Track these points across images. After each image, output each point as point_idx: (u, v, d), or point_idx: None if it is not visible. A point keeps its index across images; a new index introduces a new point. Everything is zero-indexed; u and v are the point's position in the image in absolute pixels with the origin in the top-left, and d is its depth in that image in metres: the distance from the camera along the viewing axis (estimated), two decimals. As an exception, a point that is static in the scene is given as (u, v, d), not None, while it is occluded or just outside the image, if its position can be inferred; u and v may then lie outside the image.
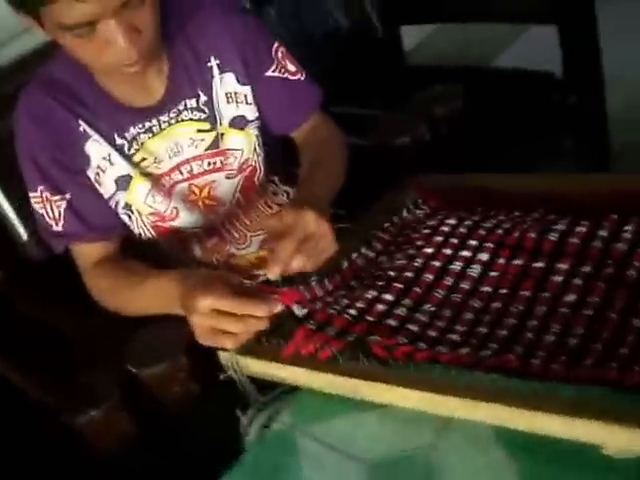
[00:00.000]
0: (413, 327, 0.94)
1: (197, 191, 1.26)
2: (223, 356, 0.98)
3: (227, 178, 1.28)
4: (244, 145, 1.27)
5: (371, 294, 1.01)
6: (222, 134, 1.25)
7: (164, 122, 1.20)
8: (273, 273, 0.96)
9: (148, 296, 1.11)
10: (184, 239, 1.30)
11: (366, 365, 0.89)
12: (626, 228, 1.00)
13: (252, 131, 1.27)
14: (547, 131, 1.89)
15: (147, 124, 1.19)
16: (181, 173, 1.24)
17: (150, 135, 1.20)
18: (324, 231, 0.99)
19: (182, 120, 1.21)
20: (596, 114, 1.94)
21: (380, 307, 0.99)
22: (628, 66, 2.21)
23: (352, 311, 0.99)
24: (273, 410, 0.99)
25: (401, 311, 0.97)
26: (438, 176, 1.29)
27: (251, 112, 1.26)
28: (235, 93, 1.23)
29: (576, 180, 1.16)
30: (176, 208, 1.25)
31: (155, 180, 1.23)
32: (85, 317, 1.29)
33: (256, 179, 1.33)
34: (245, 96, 1.24)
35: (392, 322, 0.95)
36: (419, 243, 1.10)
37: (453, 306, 0.96)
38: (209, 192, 1.27)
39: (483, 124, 1.75)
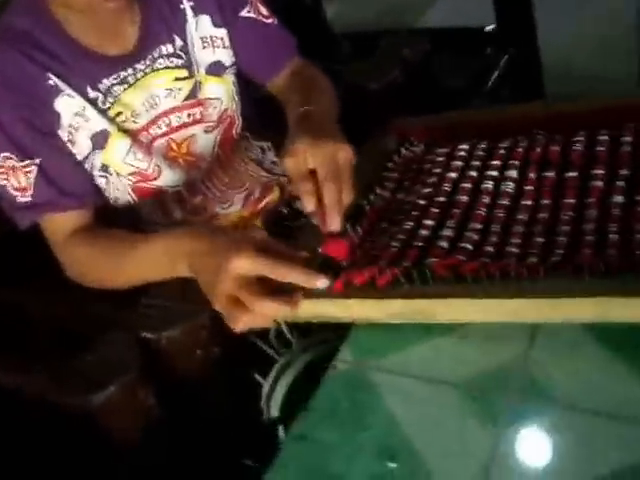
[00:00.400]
0: (467, 245, 0.88)
1: (175, 147, 1.17)
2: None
3: (205, 132, 1.19)
4: (222, 93, 1.19)
5: (409, 224, 0.95)
6: (200, 82, 1.16)
7: (139, 71, 1.10)
8: (309, 204, 0.89)
9: (143, 260, 0.99)
10: (165, 201, 1.19)
11: (435, 285, 0.83)
12: None
13: (229, 77, 1.19)
14: (484, 82, 1.89)
15: (122, 74, 1.08)
16: (159, 127, 1.14)
17: (125, 86, 1.09)
18: (344, 150, 0.93)
19: (157, 69, 1.11)
20: (530, 66, 1.95)
21: (424, 232, 0.92)
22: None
23: (396, 243, 0.92)
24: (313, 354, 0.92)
25: (449, 232, 0.91)
26: (414, 119, 1.25)
27: (228, 57, 1.18)
28: (211, 37, 1.15)
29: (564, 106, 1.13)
30: (158, 166, 1.15)
31: (133, 136, 1.12)
32: (53, 294, 1.16)
33: (234, 132, 1.25)
34: (222, 39, 1.16)
35: (443, 244, 0.89)
36: (437, 171, 1.05)
37: (500, 221, 0.92)
38: (188, 147, 1.18)
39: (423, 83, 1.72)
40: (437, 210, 0.96)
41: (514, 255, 0.85)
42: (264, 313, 0.80)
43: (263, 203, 1.29)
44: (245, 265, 0.80)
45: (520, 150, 1.04)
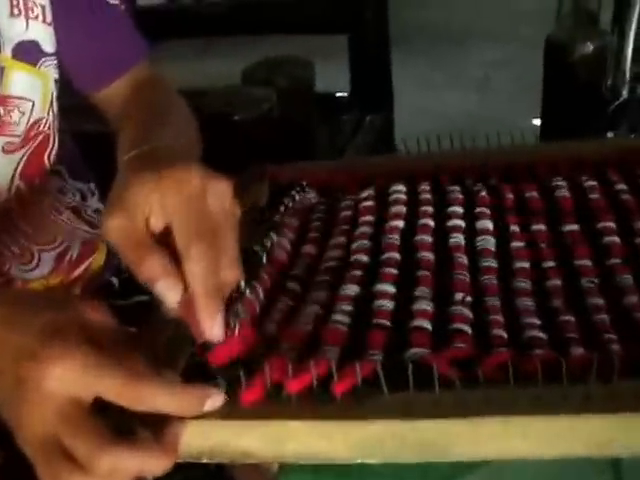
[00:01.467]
0: (462, 326, 0.54)
1: None
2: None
3: (5, 151, 0.78)
4: (35, 94, 0.78)
5: (351, 290, 0.60)
6: (2, 69, 0.75)
7: None
8: (172, 296, 0.52)
9: None
10: None
11: (447, 392, 0.48)
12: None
13: (49, 72, 0.79)
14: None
15: None
16: None
17: None
18: (219, 189, 0.56)
19: None
20: (385, 129, 1.72)
21: (383, 304, 0.58)
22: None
23: (340, 317, 0.56)
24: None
25: (425, 306, 0.57)
26: (292, 165, 0.91)
27: (48, 39, 0.78)
28: (25, 1, 0.75)
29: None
30: None
31: None
32: None
33: (46, 160, 0.84)
34: (42, 9, 0.77)
35: (424, 324, 0.55)
36: (368, 219, 0.72)
37: (497, 293, 0.59)
38: None
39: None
40: (394, 271, 0.62)
41: (546, 344, 0.52)
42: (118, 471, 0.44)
43: (82, 268, 0.88)
44: (71, 383, 0.45)
45: (483, 194, 0.73)
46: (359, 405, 0.48)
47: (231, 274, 0.54)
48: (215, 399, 0.48)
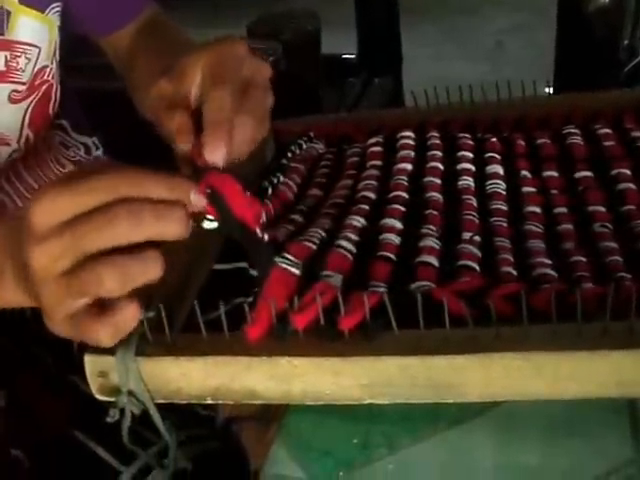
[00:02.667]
0: (469, 263, 0.53)
1: None
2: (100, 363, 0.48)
3: (12, 101, 0.76)
4: (41, 40, 0.77)
5: (357, 221, 0.59)
6: (9, 12, 0.73)
7: None
8: (217, 152, 0.50)
9: None
10: None
11: (458, 330, 0.46)
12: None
13: (54, 19, 0.78)
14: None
15: None
16: None
17: None
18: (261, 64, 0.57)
19: None
20: (393, 93, 1.69)
21: (389, 237, 0.56)
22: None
23: (344, 243, 0.55)
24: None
25: (431, 243, 0.56)
26: (298, 119, 0.89)
27: None
28: None
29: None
30: None
31: None
32: None
33: (51, 110, 0.83)
34: None
35: (430, 259, 0.54)
36: (376, 163, 0.70)
37: (506, 234, 0.58)
38: None
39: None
40: (401, 208, 0.60)
41: (556, 280, 0.51)
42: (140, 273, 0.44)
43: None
44: (47, 212, 0.44)
45: (493, 140, 0.71)
46: (368, 342, 0.46)
47: (262, 129, 0.56)
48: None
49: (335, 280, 0.50)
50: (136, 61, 0.80)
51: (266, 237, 0.50)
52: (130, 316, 0.44)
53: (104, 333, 0.44)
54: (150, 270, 0.44)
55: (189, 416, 0.50)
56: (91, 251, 0.43)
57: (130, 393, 0.48)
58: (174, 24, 0.86)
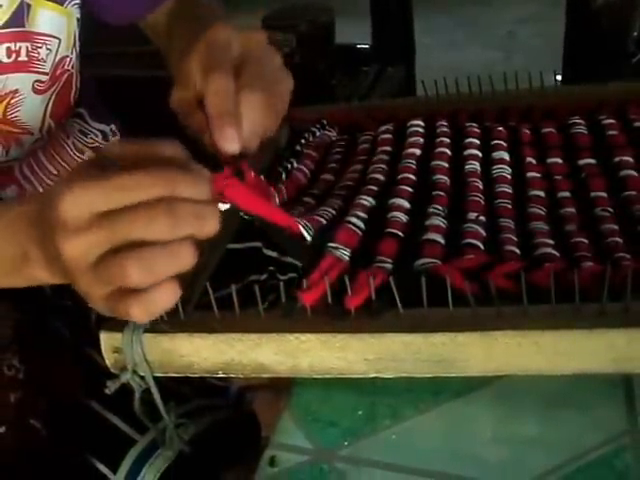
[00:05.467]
0: (474, 241, 0.55)
1: None
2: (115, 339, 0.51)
3: (36, 91, 0.78)
4: (61, 31, 0.79)
5: (366, 200, 0.61)
6: (29, 5, 0.75)
7: None
8: (228, 140, 0.52)
9: None
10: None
11: (452, 309, 0.48)
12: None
13: (73, 11, 0.80)
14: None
15: None
16: None
17: None
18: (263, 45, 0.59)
19: None
20: (406, 82, 1.70)
21: (397, 215, 0.58)
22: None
23: (354, 220, 0.57)
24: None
25: (437, 221, 0.58)
26: (312, 108, 0.91)
27: None
28: None
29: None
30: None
31: None
32: None
33: (72, 99, 0.85)
34: None
35: (436, 237, 0.56)
36: (387, 148, 0.72)
37: (510, 215, 0.60)
38: (5, 110, 0.77)
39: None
40: (409, 189, 0.62)
41: (557, 259, 0.53)
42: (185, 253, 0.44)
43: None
44: (78, 204, 0.44)
45: (500, 128, 0.73)
46: (373, 318, 0.48)
47: (270, 96, 0.56)
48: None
49: (343, 253, 0.52)
50: (172, 42, 0.80)
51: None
52: (165, 295, 0.45)
53: (137, 311, 0.45)
54: (181, 262, 0.44)
55: (204, 386, 0.52)
56: (124, 244, 0.44)
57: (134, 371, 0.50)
58: None
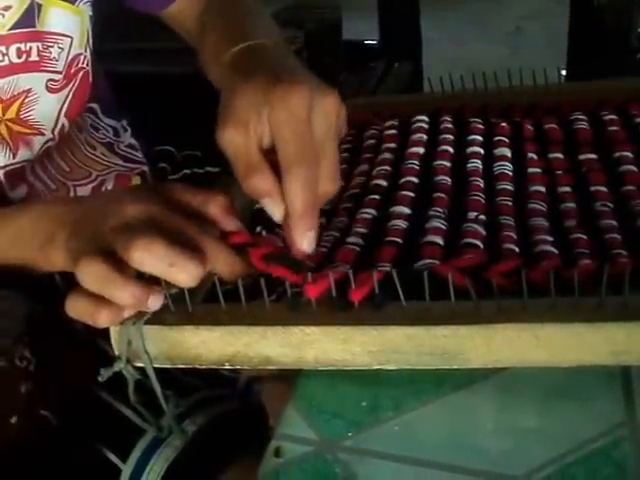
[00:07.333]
0: (473, 241, 0.56)
1: None
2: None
3: (50, 90, 0.79)
4: (74, 30, 0.80)
5: (368, 213, 0.62)
6: (39, 5, 0.76)
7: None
8: (276, 210, 0.55)
9: None
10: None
11: (462, 303, 0.49)
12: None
13: (85, 9, 0.81)
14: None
15: None
16: None
17: None
18: (326, 105, 0.57)
19: None
20: (413, 79, 1.71)
21: (397, 224, 0.59)
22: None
23: (353, 239, 0.58)
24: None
25: (438, 224, 0.59)
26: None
27: None
28: None
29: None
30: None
31: None
32: None
33: (87, 96, 0.86)
34: None
35: (433, 239, 0.57)
36: (390, 145, 0.73)
37: (508, 212, 0.61)
38: (19, 110, 0.78)
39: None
40: (410, 194, 0.63)
41: (556, 257, 0.54)
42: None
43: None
44: (140, 212, 0.54)
45: (503, 124, 0.74)
46: (376, 312, 0.50)
47: (329, 187, 0.56)
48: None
49: (342, 267, 0.54)
50: (205, 33, 0.78)
51: None
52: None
53: (105, 312, 0.51)
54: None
55: (213, 377, 0.54)
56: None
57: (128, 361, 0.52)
58: None
